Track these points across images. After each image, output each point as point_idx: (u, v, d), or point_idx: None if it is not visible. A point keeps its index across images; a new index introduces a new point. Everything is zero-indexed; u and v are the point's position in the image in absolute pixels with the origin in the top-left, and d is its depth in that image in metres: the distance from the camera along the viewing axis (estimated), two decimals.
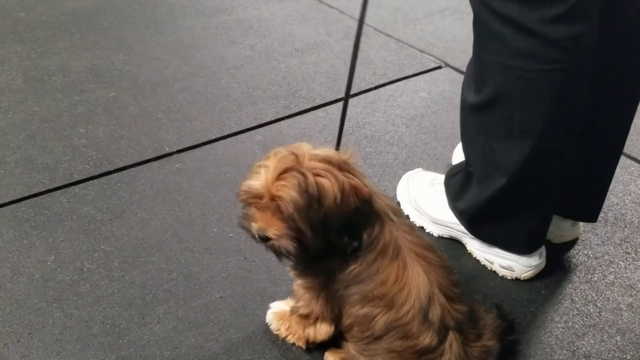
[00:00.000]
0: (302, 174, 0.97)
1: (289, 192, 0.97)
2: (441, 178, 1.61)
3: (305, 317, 1.21)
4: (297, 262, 1.10)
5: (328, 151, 1.04)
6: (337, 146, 1.11)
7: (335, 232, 1.01)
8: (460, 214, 1.49)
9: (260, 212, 1.02)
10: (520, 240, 1.43)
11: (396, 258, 1.05)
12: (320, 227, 1.00)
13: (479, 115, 1.34)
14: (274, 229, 1.01)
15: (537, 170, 1.31)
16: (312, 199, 0.97)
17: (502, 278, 1.47)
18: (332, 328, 1.20)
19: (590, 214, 1.52)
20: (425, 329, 1.04)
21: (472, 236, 1.50)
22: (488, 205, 1.39)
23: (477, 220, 1.45)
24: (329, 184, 0.98)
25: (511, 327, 1.25)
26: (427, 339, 1.04)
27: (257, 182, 1.00)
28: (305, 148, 1.03)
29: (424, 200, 1.60)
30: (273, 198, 0.99)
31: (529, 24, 1.15)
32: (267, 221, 1.01)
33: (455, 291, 1.09)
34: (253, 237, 1.05)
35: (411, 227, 1.12)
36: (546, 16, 1.14)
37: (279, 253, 1.05)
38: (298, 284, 1.18)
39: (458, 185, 1.50)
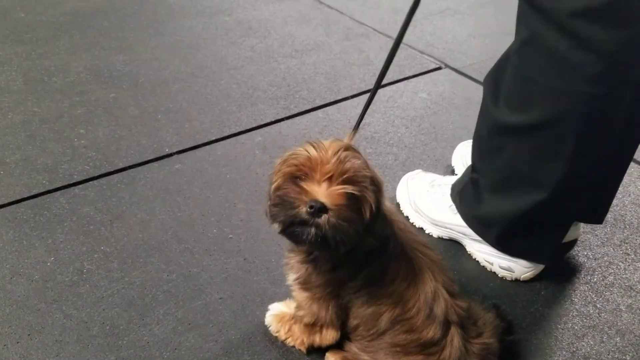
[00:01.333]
0: (359, 153, 0.94)
1: (357, 162, 0.91)
2: (441, 179, 1.61)
3: (312, 325, 1.20)
4: (323, 260, 1.05)
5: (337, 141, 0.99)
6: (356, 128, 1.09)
7: (378, 224, 0.97)
8: (485, 225, 1.45)
9: (316, 186, 0.92)
10: (549, 252, 1.42)
11: (401, 255, 1.06)
12: (374, 212, 0.93)
13: (523, 137, 1.29)
14: (336, 201, 0.91)
15: (579, 185, 1.30)
16: (372, 178, 0.94)
17: (502, 279, 1.47)
18: (339, 333, 1.20)
19: (599, 216, 1.50)
20: (430, 322, 1.05)
21: (483, 241, 1.47)
22: (522, 219, 1.36)
23: (508, 234, 1.41)
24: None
25: (510, 326, 1.25)
26: (430, 332, 1.05)
27: (316, 153, 0.92)
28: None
29: (424, 201, 1.60)
30: (330, 173, 0.91)
31: (607, 48, 1.11)
32: (327, 194, 0.91)
33: (455, 288, 1.11)
34: (293, 218, 0.92)
35: (404, 223, 1.12)
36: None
37: (322, 240, 0.92)
38: (304, 296, 1.15)
39: (471, 196, 1.47)
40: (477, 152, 1.45)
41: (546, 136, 1.25)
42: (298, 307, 1.21)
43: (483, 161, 1.43)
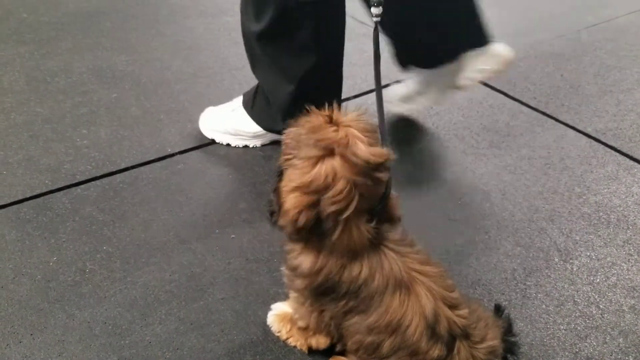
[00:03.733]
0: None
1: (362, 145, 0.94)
2: (236, 103, 1.86)
3: (305, 329, 1.21)
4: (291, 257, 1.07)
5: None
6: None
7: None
8: (273, 120, 1.76)
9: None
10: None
11: (399, 287, 1.03)
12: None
13: (269, 39, 1.60)
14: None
15: (321, 77, 1.64)
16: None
17: (507, 272, 1.47)
18: (329, 340, 1.20)
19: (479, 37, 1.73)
20: (434, 343, 1.03)
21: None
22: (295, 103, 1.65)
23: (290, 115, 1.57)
24: None
25: (511, 326, 1.25)
26: (436, 351, 1.03)
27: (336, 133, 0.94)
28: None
29: (239, 122, 1.83)
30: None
31: None
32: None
33: (455, 297, 1.08)
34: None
35: (408, 244, 1.08)
36: None
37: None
38: (293, 298, 1.17)
39: (260, 100, 1.78)
40: (251, 62, 1.74)
41: (284, 34, 1.56)
42: (293, 310, 1.21)
43: (254, 67, 1.74)
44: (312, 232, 0.97)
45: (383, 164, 0.96)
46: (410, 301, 1.03)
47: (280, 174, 1.01)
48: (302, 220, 0.95)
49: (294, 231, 0.97)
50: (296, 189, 0.95)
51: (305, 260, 1.03)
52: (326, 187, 0.93)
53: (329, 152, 0.94)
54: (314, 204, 0.94)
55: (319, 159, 0.94)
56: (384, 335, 1.04)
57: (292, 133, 1.00)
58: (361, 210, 0.96)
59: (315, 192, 0.94)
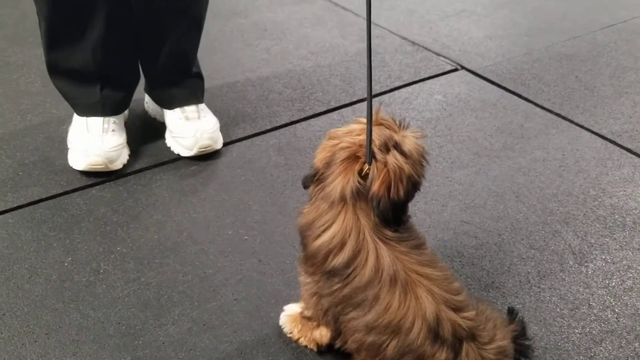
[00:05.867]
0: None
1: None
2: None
3: (309, 319, 1.22)
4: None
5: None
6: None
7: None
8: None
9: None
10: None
11: (395, 283, 1.03)
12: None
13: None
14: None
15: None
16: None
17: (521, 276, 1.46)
18: (330, 333, 1.20)
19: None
20: (439, 347, 1.03)
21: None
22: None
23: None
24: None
25: (523, 329, 1.24)
26: (442, 355, 1.03)
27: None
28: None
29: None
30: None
31: None
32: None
33: (460, 300, 1.07)
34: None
35: (410, 246, 1.07)
36: None
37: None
38: (300, 277, 1.18)
39: None
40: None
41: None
42: (302, 298, 1.22)
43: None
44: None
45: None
46: (410, 303, 1.03)
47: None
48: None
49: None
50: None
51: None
52: None
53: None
54: None
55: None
56: (385, 336, 1.04)
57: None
58: None
59: None
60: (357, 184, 1.01)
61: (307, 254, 1.09)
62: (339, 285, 1.05)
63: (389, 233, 1.04)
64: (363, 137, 1.02)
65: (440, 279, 1.06)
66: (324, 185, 1.04)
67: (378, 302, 1.03)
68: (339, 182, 1.03)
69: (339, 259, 1.03)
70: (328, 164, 1.04)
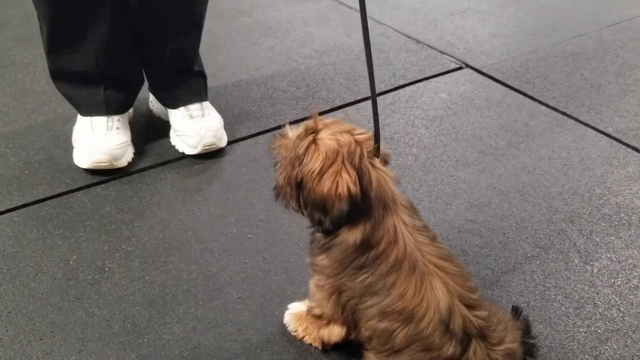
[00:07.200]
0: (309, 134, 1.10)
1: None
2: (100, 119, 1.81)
3: (319, 317, 1.21)
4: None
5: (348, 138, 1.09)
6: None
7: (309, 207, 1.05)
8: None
9: None
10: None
11: (413, 272, 1.04)
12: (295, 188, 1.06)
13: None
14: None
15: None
16: (295, 157, 1.08)
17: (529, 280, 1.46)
18: (344, 330, 1.19)
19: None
20: (447, 340, 1.03)
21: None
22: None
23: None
24: (317, 156, 1.05)
25: (528, 328, 1.24)
26: (450, 349, 1.03)
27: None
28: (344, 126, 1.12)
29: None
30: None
31: None
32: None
33: (474, 298, 1.08)
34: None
35: (430, 237, 1.10)
36: None
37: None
38: (312, 281, 1.18)
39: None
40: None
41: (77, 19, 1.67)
42: (310, 297, 1.22)
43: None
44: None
45: None
46: (425, 292, 1.03)
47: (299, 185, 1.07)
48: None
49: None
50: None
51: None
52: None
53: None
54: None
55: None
56: (397, 322, 1.05)
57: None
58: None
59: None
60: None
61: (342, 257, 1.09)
62: (364, 275, 1.06)
63: (417, 222, 1.07)
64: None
65: (457, 274, 1.07)
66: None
67: (395, 287, 1.04)
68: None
69: (375, 252, 1.05)
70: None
